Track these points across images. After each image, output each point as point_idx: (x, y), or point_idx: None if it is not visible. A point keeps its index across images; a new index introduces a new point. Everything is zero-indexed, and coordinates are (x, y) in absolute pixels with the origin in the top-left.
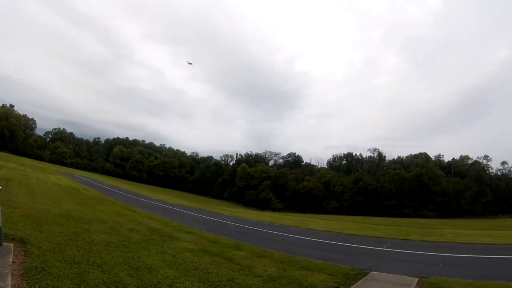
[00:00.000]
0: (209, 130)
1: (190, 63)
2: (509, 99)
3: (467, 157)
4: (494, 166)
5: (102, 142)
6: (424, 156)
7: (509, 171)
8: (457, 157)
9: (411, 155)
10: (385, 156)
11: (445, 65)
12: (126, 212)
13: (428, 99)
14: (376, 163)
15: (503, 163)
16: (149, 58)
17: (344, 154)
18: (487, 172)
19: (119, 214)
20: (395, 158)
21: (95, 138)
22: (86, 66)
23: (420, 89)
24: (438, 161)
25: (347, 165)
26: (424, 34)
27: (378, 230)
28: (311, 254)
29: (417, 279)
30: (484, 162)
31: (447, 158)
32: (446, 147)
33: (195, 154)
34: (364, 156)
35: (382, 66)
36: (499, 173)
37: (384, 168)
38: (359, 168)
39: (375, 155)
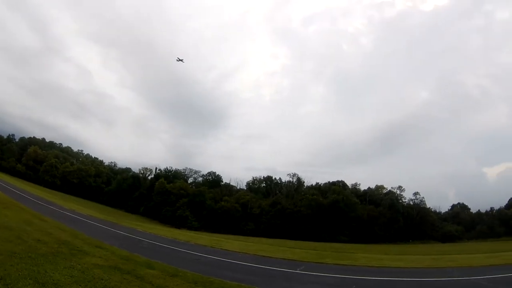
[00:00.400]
0: (131, 141)
1: (181, 60)
2: (424, 135)
3: (382, 187)
4: (407, 196)
5: (17, 140)
6: (341, 184)
7: (421, 201)
8: (372, 186)
9: (329, 182)
10: (303, 182)
11: (369, 101)
12: (35, 220)
13: (349, 131)
14: (295, 188)
15: (415, 193)
16: (79, 56)
17: (264, 177)
18: (400, 201)
19: (27, 222)
20: (313, 184)
21: (9, 134)
22: (9, 53)
23: (343, 120)
24: (355, 189)
25: (266, 188)
26: (353, 70)
27: (294, 253)
28: (225, 275)
29: None
30: (398, 192)
31: (363, 187)
32: (363, 177)
33: (113, 164)
34: (283, 180)
35: (309, 95)
36: (411, 203)
37: (302, 193)
38: (277, 191)
39: (294, 180)
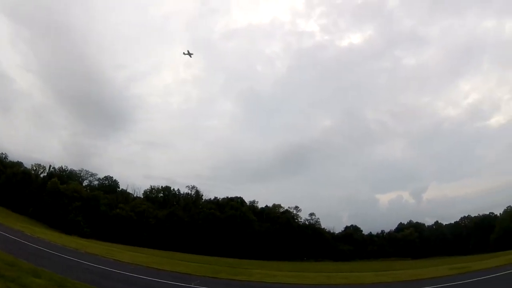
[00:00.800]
0: (26, 132)
1: (190, 54)
2: (324, 160)
3: (279, 206)
4: (303, 216)
5: None
6: (239, 200)
7: (316, 221)
8: (270, 204)
9: (227, 197)
10: (202, 195)
11: (275, 122)
12: None
13: (253, 149)
14: (193, 201)
15: (311, 214)
16: None
17: (162, 186)
18: (296, 220)
19: None
20: (212, 198)
21: None
22: None
23: (248, 138)
24: (252, 206)
25: (163, 198)
26: (264, 91)
27: (188, 267)
28: (116, 287)
29: None
30: (294, 211)
31: (261, 205)
32: (262, 195)
33: (3, 155)
34: (182, 192)
35: (217, 109)
36: (307, 222)
37: (200, 206)
38: (175, 203)
39: (193, 192)
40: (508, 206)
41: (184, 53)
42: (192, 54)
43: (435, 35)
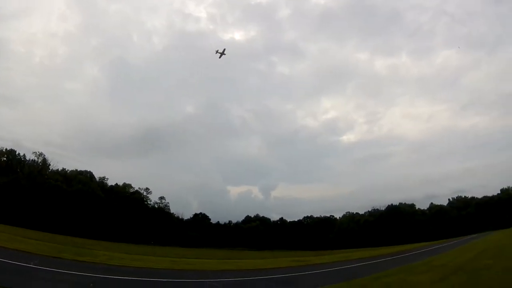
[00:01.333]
0: None
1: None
2: (180, 146)
3: (129, 186)
4: (153, 198)
5: None
6: (89, 175)
7: (166, 205)
8: (120, 183)
9: (76, 170)
10: (49, 164)
11: (140, 99)
12: None
13: (112, 123)
14: (39, 169)
15: (161, 197)
16: None
17: (6, 149)
18: (146, 202)
19: None
20: (60, 169)
21: None
22: None
23: (109, 109)
24: (102, 183)
25: (6, 162)
26: (136, 65)
27: (30, 244)
28: None
29: None
30: (145, 193)
31: (111, 182)
32: (113, 172)
33: None
34: (28, 158)
35: (83, 73)
36: (156, 206)
37: (46, 177)
38: (19, 170)
39: (40, 160)
40: (347, 212)
41: (217, 51)
42: (224, 53)
43: (312, 52)
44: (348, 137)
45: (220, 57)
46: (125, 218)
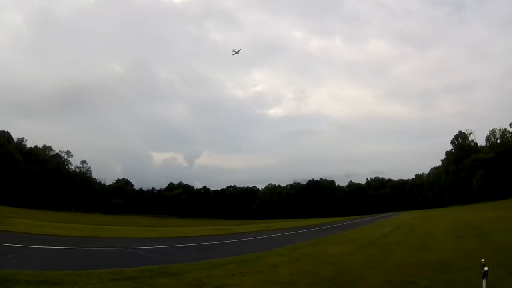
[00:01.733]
0: None
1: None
2: (104, 108)
3: (50, 148)
4: (74, 162)
5: None
6: (6, 135)
7: (87, 170)
8: (40, 145)
9: None
10: None
11: (65, 54)
12: None
13: (31, 78)
14: None
15: (83, 162)
16: None
17: None
18: (67, 167)
19: None
20: None
21: None
22: None
23: (29, 63)
24: (20, 144)
25: None
26: (62, 16)
27: None
28: None
29: None
30: (66, 157)
31: (30, 144)
32: (31, 133)
33: None
34: None
35: (4, 20)
36: (77, 170)
37: None
38: None
39: None
40: (269, 184)
41: (233, 50)
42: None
43: (248, 23)
44: (275, 111)
45: (233, 55)
46: (44, 183)
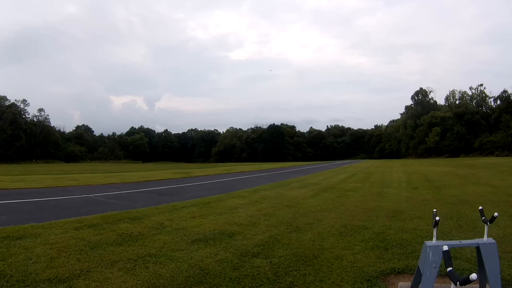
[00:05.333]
0: None
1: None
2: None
3: (4, 98)
4: (31, 111)
5: None
6: None
7: (45, 118)
8: None
9: None
10: None
11: None
12: None
13: None
14: None
15: (40, 110)
16: None
17: None
18: (24, 116)
19: None
20: None
21: None
22: None
23: None
24: None
25: None
26: None
27: None
28: None
29: None
30: (22, 106)
31: None
32: None
33: None
34: None
35: None
36: (35, 119)
37: None
38: None
39: None
40: (231, 127)
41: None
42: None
43: None
44: (237, 54)
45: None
46: (1, 135)
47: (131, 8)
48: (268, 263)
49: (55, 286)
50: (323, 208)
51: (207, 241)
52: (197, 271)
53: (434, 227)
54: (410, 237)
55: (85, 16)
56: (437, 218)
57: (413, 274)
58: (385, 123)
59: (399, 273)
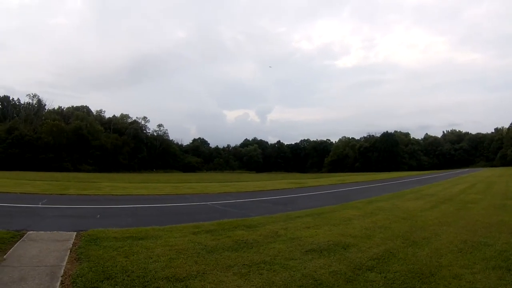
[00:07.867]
0: None
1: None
2: (174, 72)
3: (127, 116)
4: (151, 127)
5: None
6: (85, 110)
7: (164, 132)
8: (118, 114)
9: (72, 106)
10: (45, 105)
11: (126, 27)
12: None
13: (100, 54)
14: (35, 112)
15: (160, 125)
16: None
17: (0, 96)
18: (145, 131)
19: None
20: (56, 108)
21: None
22: None
23: (95, 41)
24: (99, 116)
25: (1, 111)
26: None
27: (35, 186)
28: None
29: (75, 233)
30: (143, 122)
31: (108, 115)
32: (108, 104)
33: None
34: (22, 102)
35: (65, 6)
36: (155, 134)
37: (43, 117)
38: (15, 115)
39: (35, 102)
40: (343, 136)
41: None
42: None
43: None
44: (343, 62)
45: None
46: (124, 148)
47: (235, 27)
48: (383, 278)
49: (173, 284)
50: (441, 221)
51: (321, 252)
52: (310, 281)
53: None
54: None
55: (194, 38)
56: None
57: None
58: (506, 125)
59: None
